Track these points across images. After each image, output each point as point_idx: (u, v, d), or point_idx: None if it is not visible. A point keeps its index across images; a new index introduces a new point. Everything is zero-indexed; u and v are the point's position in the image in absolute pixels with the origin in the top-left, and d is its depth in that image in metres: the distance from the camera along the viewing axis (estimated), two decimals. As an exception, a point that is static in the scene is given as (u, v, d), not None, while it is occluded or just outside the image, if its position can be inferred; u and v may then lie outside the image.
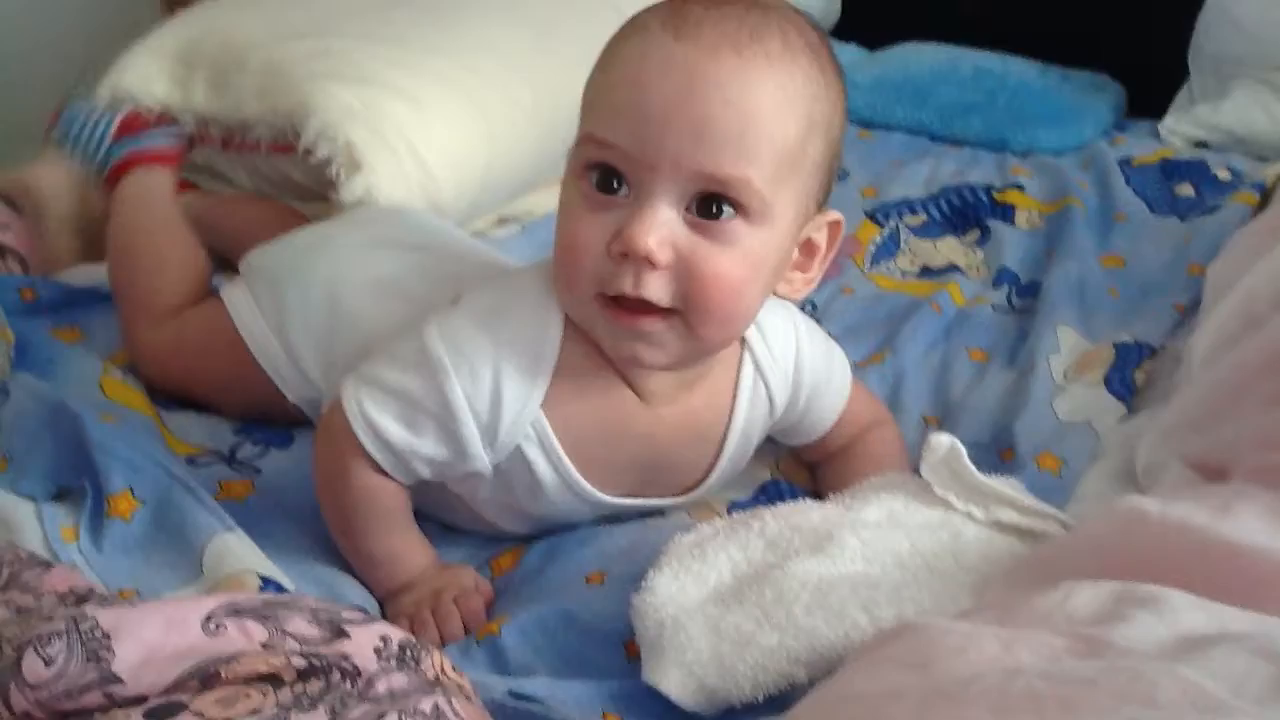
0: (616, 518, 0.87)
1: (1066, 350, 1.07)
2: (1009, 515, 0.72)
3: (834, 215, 0.78)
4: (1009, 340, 1.12)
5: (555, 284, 0.75)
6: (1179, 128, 1.59)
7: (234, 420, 1.01)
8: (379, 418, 0.78)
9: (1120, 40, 1.75)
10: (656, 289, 0.69)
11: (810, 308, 1.22)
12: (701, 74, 0.67)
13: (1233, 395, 0.76)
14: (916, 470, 0.87)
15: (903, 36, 1.89)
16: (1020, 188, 1.42)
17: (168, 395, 1.03)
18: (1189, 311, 1.11)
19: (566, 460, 0.80)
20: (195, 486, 0.86)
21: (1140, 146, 1.55)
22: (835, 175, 0.78)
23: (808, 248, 0.77)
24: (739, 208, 0.69)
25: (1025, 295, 1.21)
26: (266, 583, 0.79)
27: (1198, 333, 0.91)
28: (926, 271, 1.30)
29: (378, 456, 0.78)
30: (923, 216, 1.40)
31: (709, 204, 0.69)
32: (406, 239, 1.00)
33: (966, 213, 1.39)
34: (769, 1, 0.72)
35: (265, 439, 0.98)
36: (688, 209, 0.69)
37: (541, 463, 0.80)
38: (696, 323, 0.71)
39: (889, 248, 1.34)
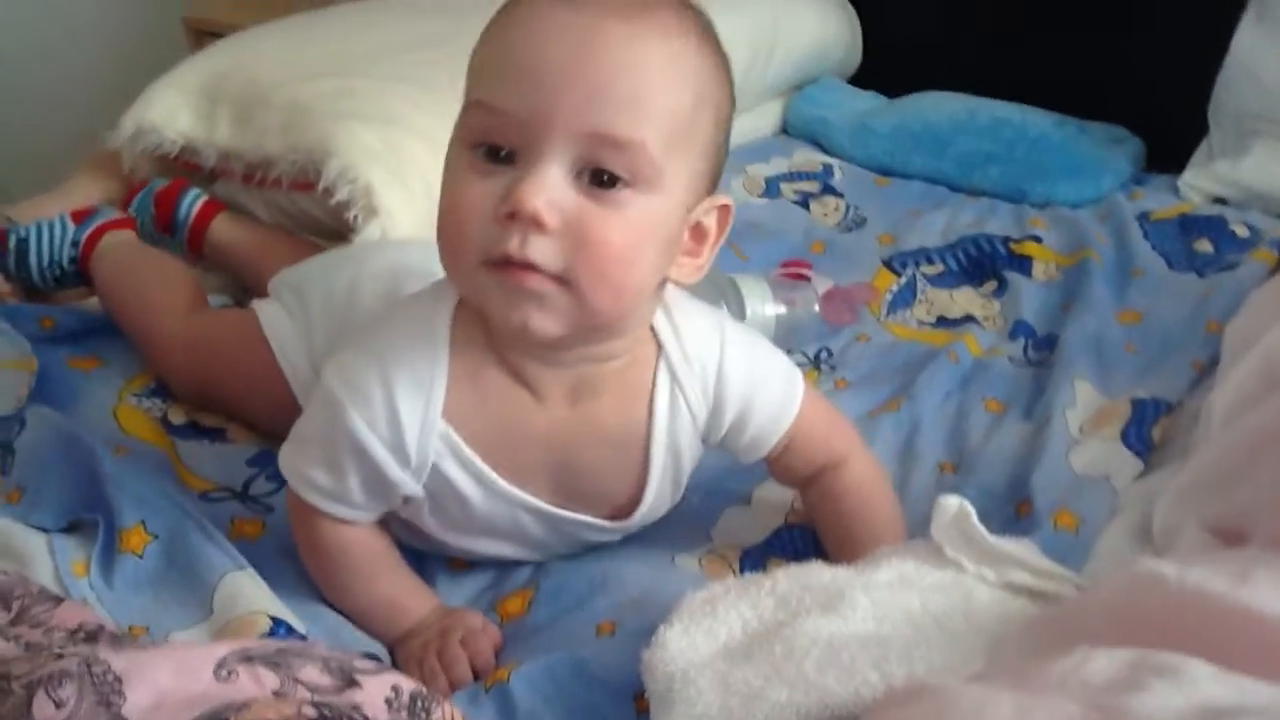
0: (605, 547, 0.88)
1: (1083, 404, 1.06)
2: (1022, 577, 0.71)
3: (724, 199, 0.76)
4: (1026, 393, 1.12)
5: (441, 256, 0.74)
6: (1198, 183, 1.58)
7: (248, 447, 1.02)
8: (306, 468, 0.79)
9: (1140, 93, 1.75)
10: (544, 252, 0.68)
11: (826, 354, 1.22)
12: (595, 37, 0.67)
13: (1251, 458, 0.75)
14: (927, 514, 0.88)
15: (922, 85, 1.90)
16: (1038, 240, 1.42)
17: (186, 394, 1.04)
18: (1207, 369, 1.10)
19: (481, 464, 0.79)
20: (207, 524, 0.86)
21: (1159, 201, 1.55)
22: (724, 162, 0.77)
23: (697, 232, 0.76)
24: (631, 176, 0.68)
25: (1042, 348, 1.21)
26: (277, 624, 0.78)
27: (1216, 391, 0.90)
28: (943, 321, 1.30)
29: (317, 504, 0.79)
30: (940, 266, 1.40)
31: (600, 175, 0.68)
32: (430, 270, 1.00)
33: (984, 263, 1.39)
34: None
35: (279, 475, 0.97)
36: (578, 176, 0.68)
37: (459, 474, 0.79)
38: (586, 289, 0.69)
39: (905, 296, 1.35)
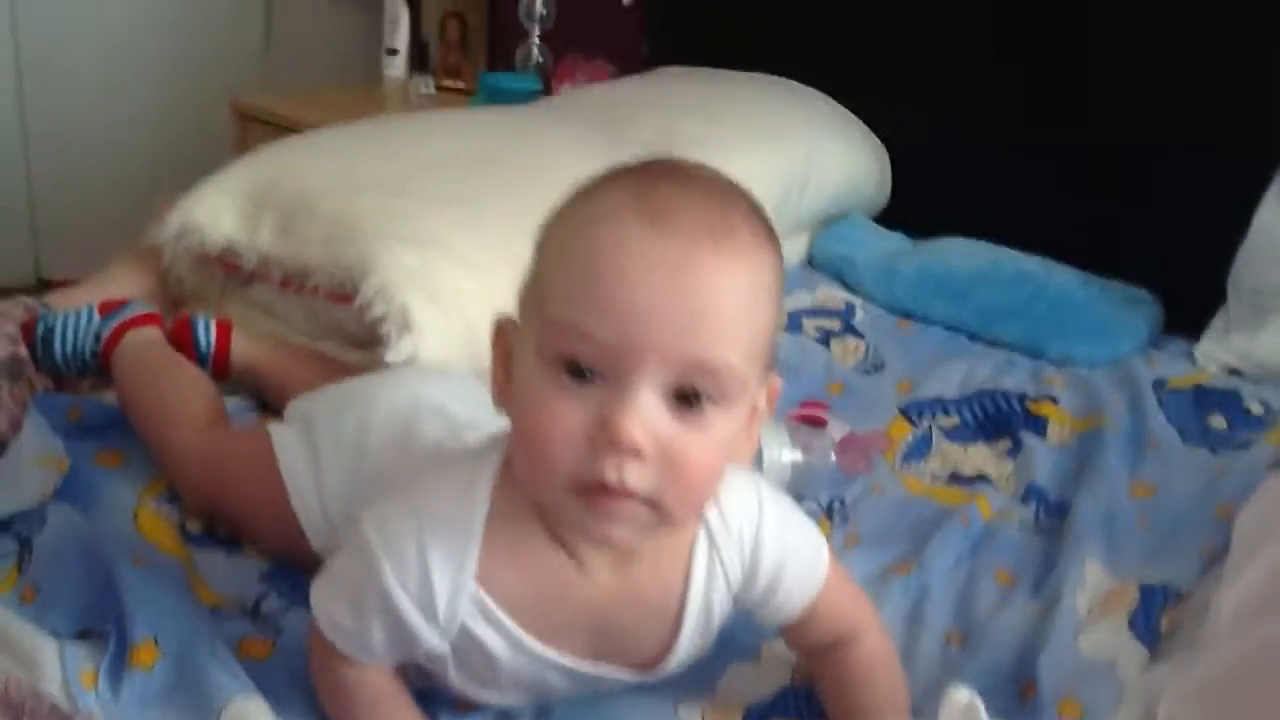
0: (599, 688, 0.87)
1: (1092, 585, 1.06)
2: (1027, 777, 0.71)
3: (775, 381, 0.78)
4: (1035, 565, 1.12)
5: (522, 470, 0.74)
6: (1213, 353, 1.60)
7: (262, 560, 1.02)
8: (332, 607, 0.80)
9: (1162, 254, 1.78)
10: (639, 478, 0.69)
11: (839, 504, 1.23)
12: (687, 268, 0.67)
13: (1259, 673, 0.75)
14: (933, 684, 0.88)
15: (948, 225, 1.93)
16: (1054, 400, 1.44)
17: (199, 507, 1.05)
18: (1216, 556, 1.11)
19: (513, 626, 0.79)
20: (218, 643, 0.86)
21: (1174, 368, 1.56)
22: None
23: (751, 413, 0.77)
24: (718, 396, 0.69)
25: (1053, 515, 1.22)
26: (280, 753, 0.79)
27: (1224, 589, 0.91)
28: (956, 478, 1.30)
29: (338, 644, 0.80)
30: (955, 419, 1.41)
31: (686, 394, 0.69)
32: (445, 407, 1.01)
33: (999, 420, 1.41)
34: (723, 185, 0.73)
35: (290, 593, 0.98)
36: (666, 398, 0.69)
37: (489, 634, 0.79)
38: (672, 506, 0.71)
39: (920, 448, 1.36)
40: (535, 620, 0.80)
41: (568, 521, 0.75)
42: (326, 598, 0.81)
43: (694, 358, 0.68)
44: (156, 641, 0.85)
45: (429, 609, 0.77)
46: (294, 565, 1.00)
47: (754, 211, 0.73)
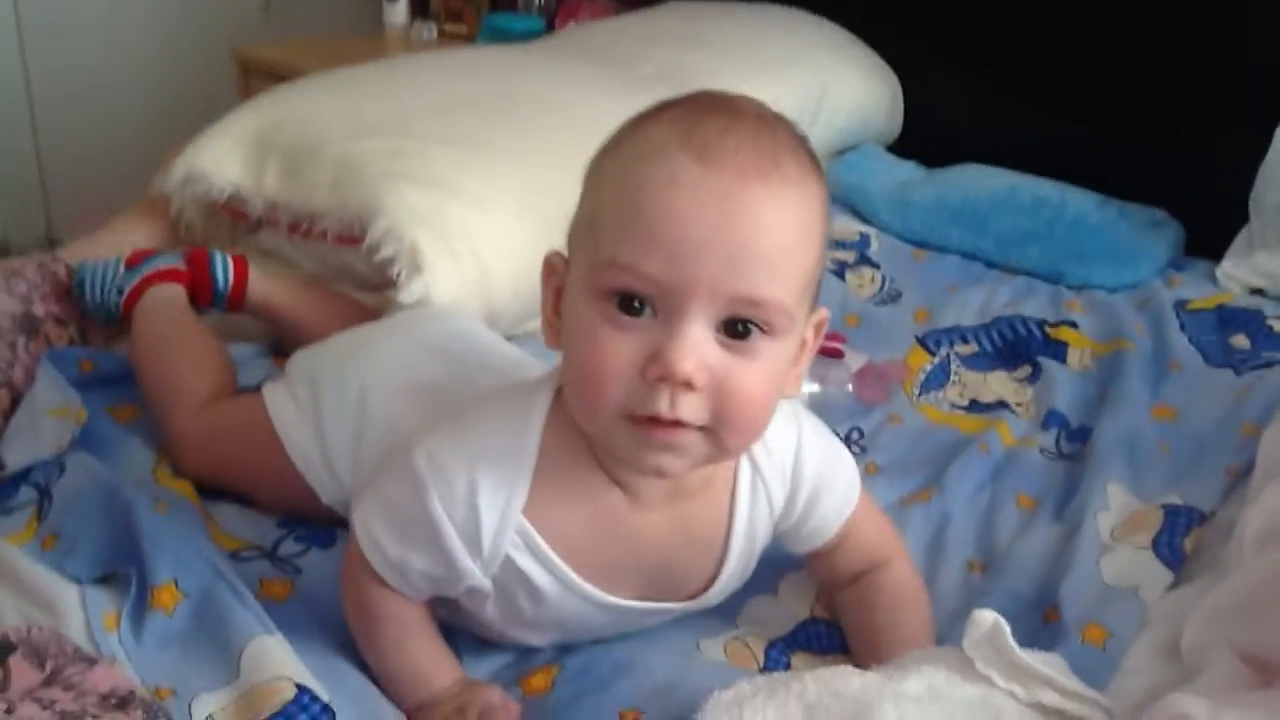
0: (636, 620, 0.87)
1: (1115, 508, 1.06)
2: (1051, 698, 0.71)
3: (821, 313, 0.78)
4: (1057, 490, 1.12)
5: (574, 404, 0.75)
6: (1236, 273, 1.58)
7: (275, 515, 1.02)
8: (377, 530, 0.80)
9: (1181, 177, 1.75)
10: (692, 409, 0.69)
11: (858, 434, 1.22)
12: (735, 202, 0.67)
13: (1284, 590, 0.75)
14: (956, 612, 0.87)
15: (962, 155, 1.91)
16: (1074, 325, 1.42)
17: (206, 487, 1.04)
18: (1240, 476, 1.10)
19: (561, 564, 0.80)
20: (238, 584, 0.86)
21: (1197, 289, 1.55)
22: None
23: (800, 345, 0.77)
24: (768, 327, 0.70)
25: (1074, 440, 1.21)
26: (301, 691, 0.79)
27: (1250, 509, 0.90)
28: (975, 405, 1.29)
29: (380, 569, 0.80)
30: (974, 346, 1.40)
31: (735, 325, 0.69)
32: (447, 347, 1.02)
33: (1019, 346, 1.39)
34: (770, 118, 0.73)
35: (307, 536, 0.99)
36: (716, 330, 0.69)
37: (536, 569, 0.80)
38: (726, 435, 0.71)
39: (938, 377, 1.35)
40: (586, 559, 0.81)
41: (621, 454, 0.75)
42: (371, 517, 0.80)
43: (743, 291, 0.68)
44: (177, 584, 0.85)
45: (473, 540, 0.77)
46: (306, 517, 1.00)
47: (800, 144, 0.72)
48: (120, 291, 1.20)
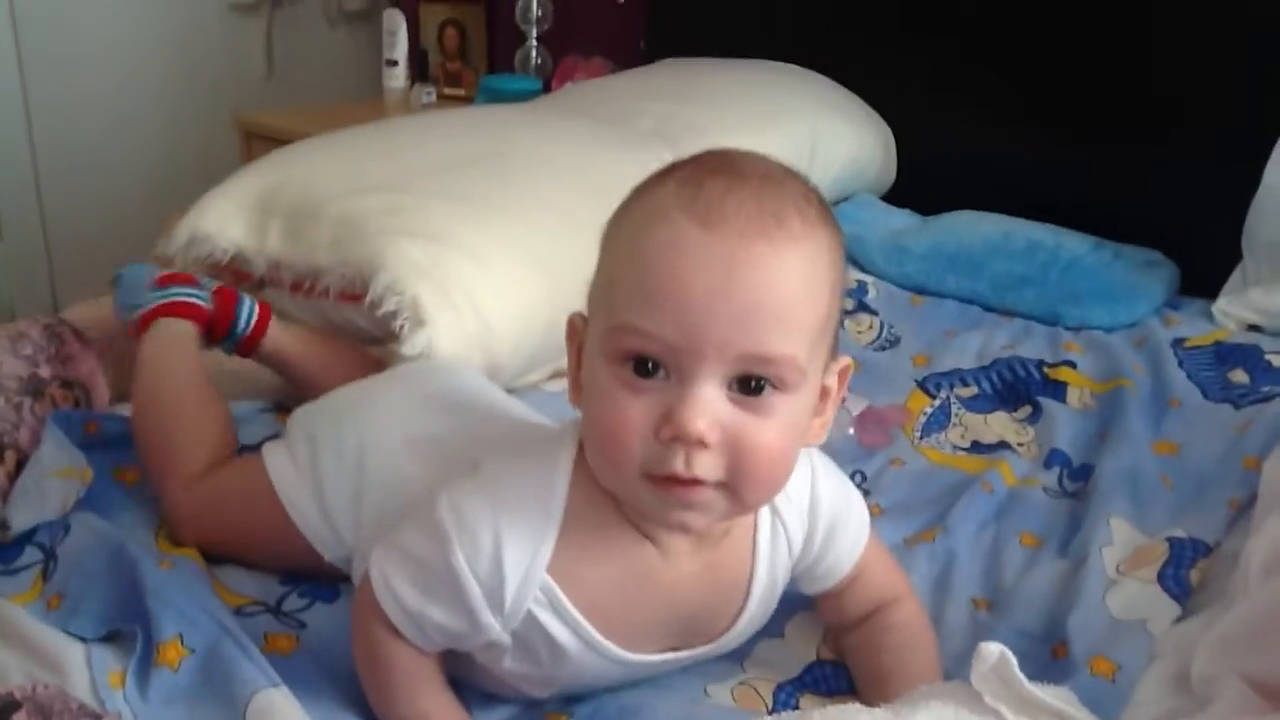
0: (652, 675, 0.87)
1: (1120, 543, 1.05)
2: (1062, 729, 0.70)
3: (844, 361, 0.79)
4: (1061, 527, 1.11)
5: (596, 463, 0.76)
6: (1232, 310, 1.59)
7: (279, 571, 1.02)
8: (396, 581, 0.79)
9: (1174, 217, 1.77)
10: (707, 467, 0.71)
11: (861, 477, 1.22)
12: (738, 263, 0.68)
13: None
14: (964, 651, 0.87)
15: (956, 202, 1.92)
16: (1072, 365, 1.43)
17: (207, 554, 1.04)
18: (1244, 508, 1.10)
19: (584, 622, 0.80)
20: (243, 638, 0.86)
21: (1193, 327, 1.55)
22: (841, 322, 0.79)
23: (823, 393, 0.78)
24: (780, 383, 0.71)
25: (1077, 479, 1.21)
26: (308, 744, 0.78)
27: (1254, 538, 0.90)
28: (977, 447, 1.30)
29: (395, 621, 0.79)
30: (974, 389, 1.41)
31: (748, 382, 0.70)
32: (447, 399, 1.02)
33: (1018, 387, 1.40)
34: (774, 171, 0.74)
35: (311, 591, 0.98)
36: (729, 387, 0.70)
37: (556, 626, 0.79)
38: (745, 491, 0.72)
39: (939, 419, 1.35)
40: (612, 616, 0.80)
41: (645, 510, 0.76)
42: (390, 568, 0.80)
43: (751, 350, 0.69)
44: (183, 640, 0.85)
45: (496, 596, 0.77)
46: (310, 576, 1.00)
47: (806, 197, 0.73)
48: (135, 309, 1.19)
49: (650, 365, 0.70)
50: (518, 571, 0.77)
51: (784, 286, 0.69)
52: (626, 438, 0.71)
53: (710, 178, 0.71)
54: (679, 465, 0.70)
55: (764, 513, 0.84)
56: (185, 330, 1.19)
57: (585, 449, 0.77)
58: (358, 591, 0.84)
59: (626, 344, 0.71)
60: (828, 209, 0.75)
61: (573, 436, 0.80)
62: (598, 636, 0.80)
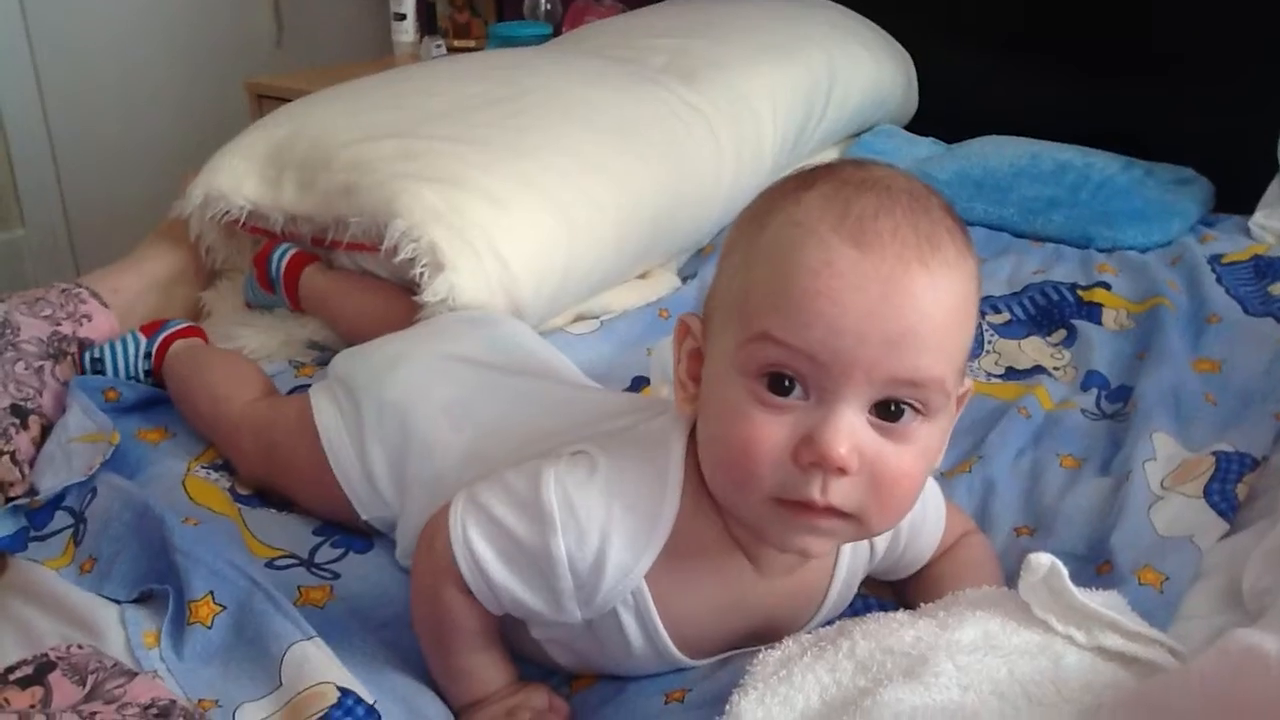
0: None
1: (1164, 457, 1.03)
2: (1113, 640, 0.68)
3: (968, 385, 0.76)
4: (1102, 447, 1.09)
5: (718, 483, 0.73)
6: (1269, 224, 1.55)
7: (313, 520, 1.01)
8: (481, 548, 0.77)
9: (1206, 132, 1.73)
10: (844, 495, 0.68)
11: (894, 409, 1.20)
12: (895, 288, 0.65)
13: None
14: (1008, 578, 0.85)
15: (979, 130, 1.88)
16: (1107, 286, 1.40)
17: (252, 478, 1.05)
18: (1291, 420, 1.07)
19: (663, 632, 0.78)
20: (275, 593, 0.85)
21: (1231, 243, 1.52)
22: None
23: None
24: (924, 408, 0.68)
25: (1115, 400, 1.18)
26: (345, 694, 0.78)
27: (1303, 448, 0.88)
28: (1012, 373, 1.27)
29: (472, 584, 0.77)
30: (1006, 315, 1.38)
31: (887, 406, 0.67)
32: (484, 355, 1.01)
33: (1051, 311, 1.37)
34: (918, 190, 0.71)
35: (344, 542, 0.98)
36: (869, 411, 0.68)
37: (634, 628, 0.78)
38: (874, 520, 0.70)
39: (974, 348, 1.32)
40: (692, 627, 0.79)
41: (765, 533, 0.73)
42: (478, 539, 0.77)
43: (903, 374, 0.66)
44: (214, 597, 0.84)
45: (588, 592, 0.76)
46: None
47: (955, 221, 0.71)
48: (148, 356, 1.21)
49: (788, 383, 0.67)
50: (617, 574, 0.75)
51: (938, 313, 0.66)
52: (759, 459, 0.68)
53: (859, 194, 0.68)
54: (815, 492, 0.67)
55: None
56: (197, 341, 1.24)
57: (703, 462, 0.74)
58: (424, 541, 0.81)
59: (766, 355, 0.67)
60: (968, 233, 0.72)
61: (678, 439, 0.77)
62: (671, 646, 0.79)
